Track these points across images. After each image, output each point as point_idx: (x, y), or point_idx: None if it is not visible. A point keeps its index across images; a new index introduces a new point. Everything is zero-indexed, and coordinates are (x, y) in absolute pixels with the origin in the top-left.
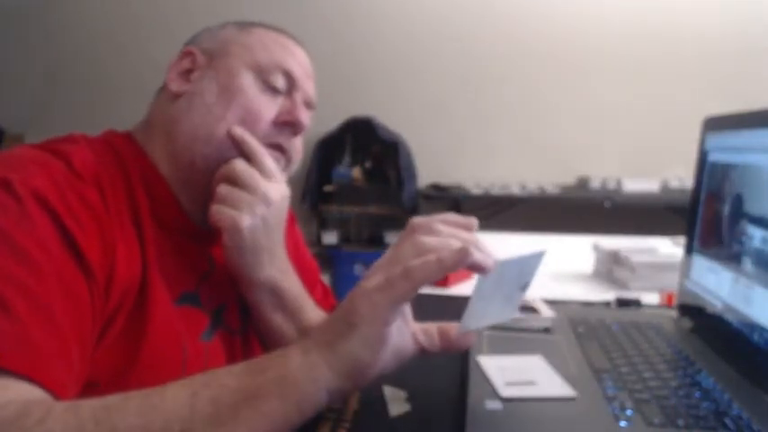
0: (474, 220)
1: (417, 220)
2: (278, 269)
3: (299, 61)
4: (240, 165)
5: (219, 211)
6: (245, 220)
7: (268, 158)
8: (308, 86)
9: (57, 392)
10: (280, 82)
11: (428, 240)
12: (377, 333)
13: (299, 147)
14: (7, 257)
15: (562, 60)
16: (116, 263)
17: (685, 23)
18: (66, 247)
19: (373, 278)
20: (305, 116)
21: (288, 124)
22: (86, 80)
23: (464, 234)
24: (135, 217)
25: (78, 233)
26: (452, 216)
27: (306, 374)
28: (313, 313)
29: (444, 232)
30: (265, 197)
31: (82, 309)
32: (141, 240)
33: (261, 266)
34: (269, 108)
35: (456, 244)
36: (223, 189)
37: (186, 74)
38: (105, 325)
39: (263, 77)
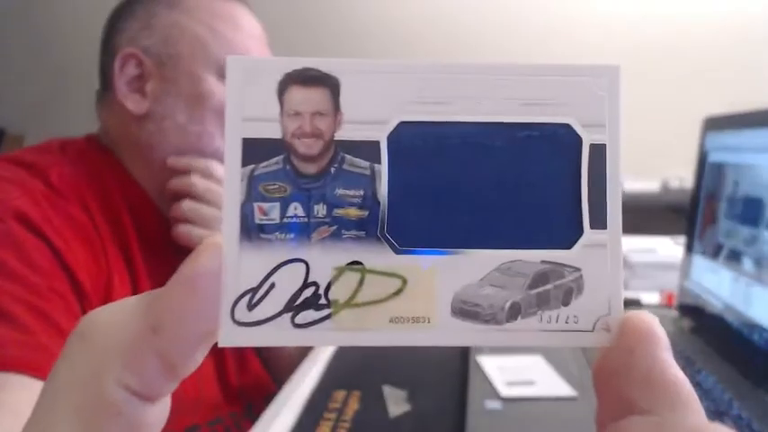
0: None
1: None
2: None
3: (249, 32)
4: (199, 182)
5: (191, 233)
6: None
7: (217, 167)
8: (264, 54)
9: None
10: None
11: None
12: None
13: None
14: (3, 280)
15: (562, 60)
16: (112, 288)
17: (685, 23)
18: (58, 266)
19: None
20: None
21: None
22: (86, 80)
23: None
24: (119, 233)
25: (68, 253)
26: None
27: None
28: None
29: None
30: None
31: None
32: (128, 260)
33: None
34: None
35: None
36: (188, 206)
37: (136, 83)
38: None
39: (224, 72)
